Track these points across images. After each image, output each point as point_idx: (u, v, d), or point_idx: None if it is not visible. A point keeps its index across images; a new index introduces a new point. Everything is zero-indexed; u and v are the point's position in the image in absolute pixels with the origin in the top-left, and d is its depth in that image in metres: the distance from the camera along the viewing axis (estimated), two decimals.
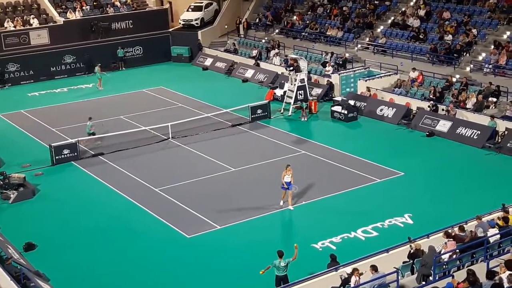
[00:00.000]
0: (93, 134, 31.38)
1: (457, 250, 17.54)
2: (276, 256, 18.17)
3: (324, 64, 40.74)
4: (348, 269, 17.05)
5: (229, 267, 20.60)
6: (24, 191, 26.24)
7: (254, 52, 45.69)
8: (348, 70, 39.26)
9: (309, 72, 38.91)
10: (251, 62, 44.53)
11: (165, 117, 34.53)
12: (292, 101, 35.41)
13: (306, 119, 34.56)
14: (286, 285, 17.31)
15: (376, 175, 26.86)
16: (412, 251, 17.97)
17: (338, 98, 35.92)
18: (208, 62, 47.31)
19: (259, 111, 34.74)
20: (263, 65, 43.77)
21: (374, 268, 16.63)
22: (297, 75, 35.72)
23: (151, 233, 22.99)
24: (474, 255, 17.60)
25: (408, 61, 38.28)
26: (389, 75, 37.61)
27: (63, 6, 48.71)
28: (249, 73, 43.54)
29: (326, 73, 39.59)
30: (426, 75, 36.33)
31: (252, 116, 34.45)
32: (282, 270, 18.10)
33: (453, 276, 16.28)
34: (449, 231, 18.40)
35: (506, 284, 14.47)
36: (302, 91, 35.73)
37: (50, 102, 39.80)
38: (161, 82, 43.31)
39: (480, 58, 36.23)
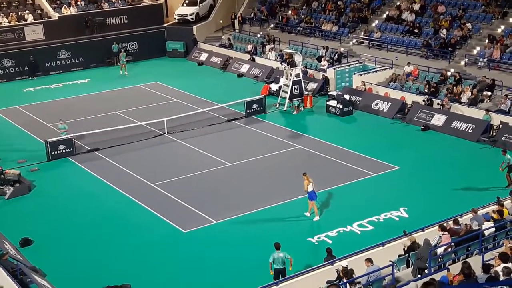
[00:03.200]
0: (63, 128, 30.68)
1: (452, 244, 17.64)
2: (273, 249, 18.24)
3: (319, 59, 40.76)
4: (344, 263, 17.12)
5: (226, 261, 20.65)
6: (20, 187, 26.24)
7: (249, 47, 45.68)
8: (343, 65, 39.30)
9: (305, 67, 38.95)
10: (246, 57, 44.53)
11: (161, 112, 34.53)
12: (287, 95, 35.44)
13: (297, 112, 34.70)
14: (282, 279, 17.37)
15: (372, 169, 26.94)
16: (405, 248, 18.07)
17: (334, 93, 35.97)
18: (203, 57, 47.29)
19: (254, 105, 34.77)
20: (258, 60, 43.77)
21: (369, 260, 16.73)
22: (292, 69, 35.75)
23: (147, 228, 23.03)
24: (469, 248, 17.69)
25: (403, 55, 38.35)
26: (384, 69, 37.67)
27: (58, 2, 48.67)
28: (244, 68, 43.54)
29: (321, 67, 39.63)
30: (421, 69, 36.40)
31: (248, 111, 34.48)
32: (281, 262, 18.13)
33: (448, 269, 16.38)
34: (444, 224, 18.50)
35: (501, 277, 14.55)
36: (298, 85, 35.77)
37: (45, 98, 39.74)
38: (156, 77, 43.27)
39: (475, 52, 36.32)
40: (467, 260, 16.36)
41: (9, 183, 26.25)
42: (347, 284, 15.79)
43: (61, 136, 30.16)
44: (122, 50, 44.78)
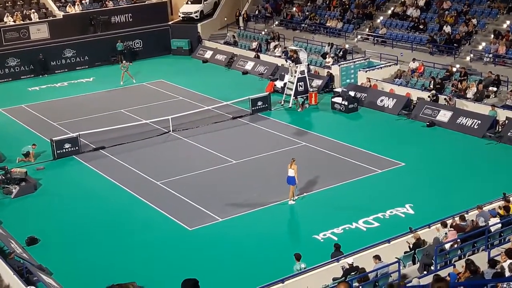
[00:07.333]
0: (27, 154, 29.22)
1: (458, 240, 17.61)
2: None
3: (324, 56, 40.70)
4: (350, 260, 17.11)
5: (231, 259, 20.66)
6: (26, 186, 26.29)
7: (254, 44, 45.64)
8: (348, 61, 39.22)
9: (308, 64, 38.88)
10: (251, 54, 44.48)
11: (166, 110, 34.53)
12: (292, 92, 35.40)
13: (301, 110, 34.71)
14: (287, 276, 17.34)
15: (377, 166, 26.88)
16: (410, 246, 18.04)
17: (339, 89, 35.91)
18: (208, 54, 47.26)
19: (259, 103, 34.73)
20: (263, 57, 43.72)
21: (377, 257, 16.73)
22: (297, 66, 35.69)
23: (153, 226, 23.05)
24: (475, 245, 17.66)
25: (408, 51, 38.26)
26: (389, 65, 37.58)
27: (63, 0, 48.64)
28: (249, 65, 43.50)
29: (326, 64, 39.57)
30: (426, 65, 36.30)
31: (253, 108, 34.45)
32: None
33: (454, 266, 16.35)
34: (448, 221, 18.47)
35: (507, 273, 14.52)
36: (302, 82, 35.71)
37: (50, 97, 39.78)
38: (161, 75, 43.26)
39: (480, 47, 36.20)
40: (470, 257, 16.33)
41: (15, 181, 26.30)
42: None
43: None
44: (124, 61, 43.49)
